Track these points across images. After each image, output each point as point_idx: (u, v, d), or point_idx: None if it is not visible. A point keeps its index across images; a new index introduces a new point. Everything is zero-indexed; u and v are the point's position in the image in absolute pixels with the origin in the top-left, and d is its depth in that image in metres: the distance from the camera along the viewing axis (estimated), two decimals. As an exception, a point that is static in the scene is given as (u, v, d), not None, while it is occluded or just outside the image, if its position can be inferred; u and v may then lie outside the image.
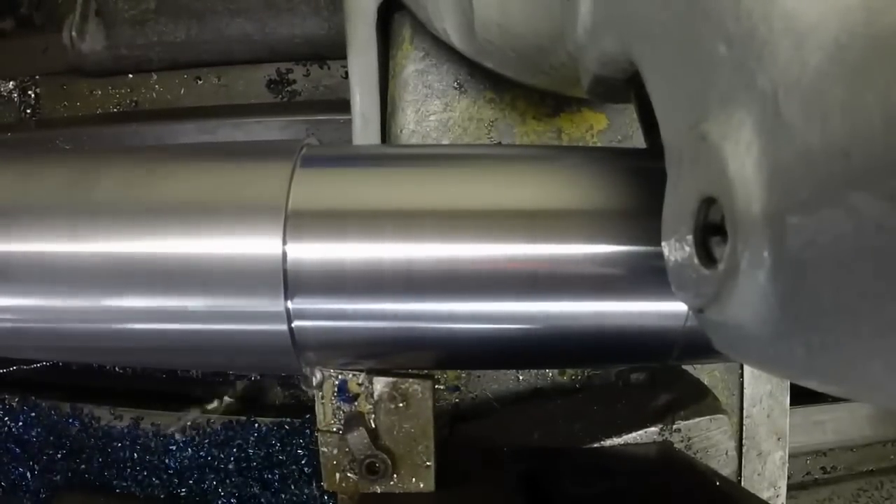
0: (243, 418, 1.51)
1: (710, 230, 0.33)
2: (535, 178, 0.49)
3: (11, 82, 1.68)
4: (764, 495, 0.88)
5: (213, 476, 1.53)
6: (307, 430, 1.49)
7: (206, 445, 1.51)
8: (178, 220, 0.46)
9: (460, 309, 0.47)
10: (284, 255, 0.45)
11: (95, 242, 0.46)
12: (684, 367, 0.79)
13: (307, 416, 1.49)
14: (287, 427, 1.50)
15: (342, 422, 0.55)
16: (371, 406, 0.55)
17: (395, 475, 0.56)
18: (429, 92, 0.85)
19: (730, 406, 0.87)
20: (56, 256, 0.46)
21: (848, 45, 0.24)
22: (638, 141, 0.86)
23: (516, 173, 0.49)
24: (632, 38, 0.42)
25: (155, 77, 1.61)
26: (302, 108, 1.58)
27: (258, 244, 0.45)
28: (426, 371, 0.58)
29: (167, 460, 1.53)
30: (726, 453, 0.70)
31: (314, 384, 0.55)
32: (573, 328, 0.48)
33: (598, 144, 0.86)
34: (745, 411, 0.87)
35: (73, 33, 1.53)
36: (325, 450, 0.56)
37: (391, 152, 0.56)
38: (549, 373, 0.86)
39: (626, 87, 0.47)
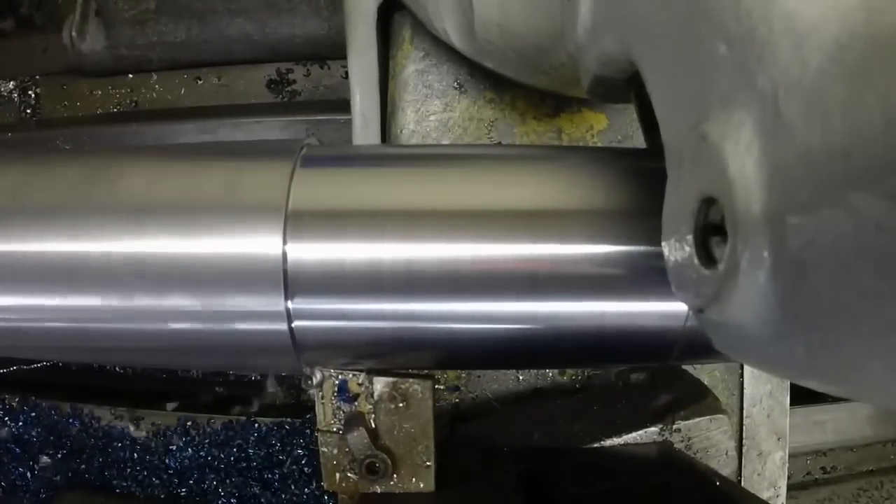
0: (243, 418, 1.51)
1: (710, 230, 0.33)
2: (535, 178, 0.49)
3: (11, 82, 1.68)
4: (764, 495, 0.88)
5: (213, 476, 1.53)
6: (307, 430, 1.49)
7: (206, 445, 1.51)
8: (179, 219, 0.46)
9: (460, 309, 0.47)
10: (284, 254, 0.45)
11: (94, 242, 0.46)
12: (684, 367, 0.79)
13: (307, 416, 1.49)
14: (287, 427, 1.50)
15: (342, 422, 0.55)
16: (371, 406, 0.55)
17: (395, 475, 0.56)
18: (429, 92, 0.85)
19: (730, 406, 0.87)
20: (56, 256, 0.46)
21: (848, 46, 0.24)
22: (638, 141, 0.86)
23: (516, 173, 0.49)
24: (632, 38, 0.42)
25: (155, 77, 1.61)
26: (302, 108, 1.58)
27: (258, 244, 0.45)
28: (426, 371, 0.58)
29: (167, 460, 1.53)
30: (726, 453, 0.70)
31: (314, 384, 0.55)
32: (573, 328, 0.48)
33: (598, 144, 0.86)
34: (745, 411, 0.87)
35: (74, 33, 1.52)
36: (325, 450, 0.56)
37: (391, 152, 0.56)
38: (549, 373, 0.86)
39: (626, 87, 0.47)
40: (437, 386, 0.78)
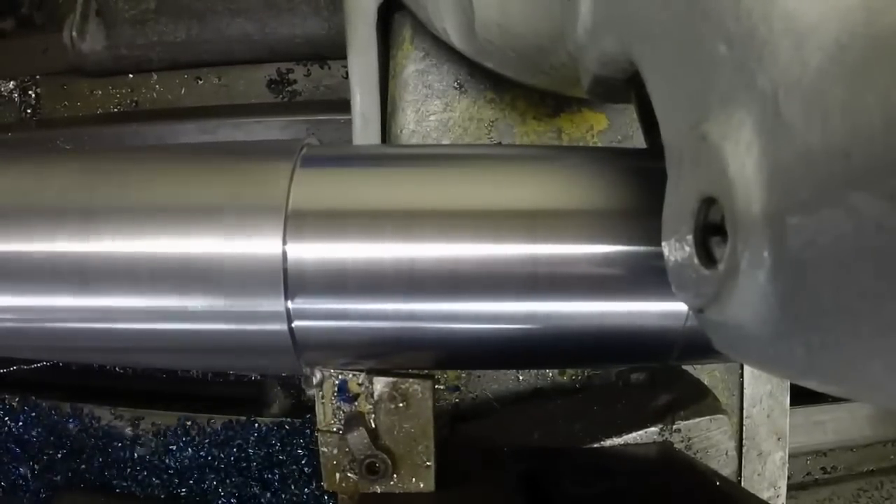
0: (243, 418, 1.51)
1: (710, 230, 0.33)
2: (535, 178, 0.49)
3: (12, 82, 1.68)
4: (764, 495, 0.88)
5: (213, 476, 1.53)
6: (307, 430, 1.49)
7: (206, 445, 1.51)
8: (179, 219, 0.46)
9: (460, 309, 0.47)
10: (285, 254, 0.45)
11: (94, 242, 0.46)
12: (684, 367, 0.79)
13: (307, 416, 1.49)
14: (287, 427, 1.51)
15: (342, 422, 0.55)
16: (371, 406, 0.55)
17: (395, 475, 0.56)
18: (429, 92, 0.85)
19: (730, 406, 0.87)
20: (55, 257, 0.46)
21: (848, 46, 0.24)
22: (638, 141, 0.86)
23: (516, 173, 0.49)
24: (632, 38, 0.42)
25: (155, 77, 1.61)
26: (302, 108, 1.58)
27: (258, 244, 0.45)
28: (426, 371, 0.58)
29: (167, 460, 1.53)
30: (726, 453, 0.70)
31: (314, 384, 0.55)
32: (573, 328, 0.48)
33: (598, 144, 0.86)
34: (745, 411, 0.87)
35: (74, 33, 1.53)
36: (325, 450, 0.56)
37: (391, 152, 0.56)
38: (549, 373, 0.86)
39: (626, 87, 0.47)
40: (437, 386, 0.78)
